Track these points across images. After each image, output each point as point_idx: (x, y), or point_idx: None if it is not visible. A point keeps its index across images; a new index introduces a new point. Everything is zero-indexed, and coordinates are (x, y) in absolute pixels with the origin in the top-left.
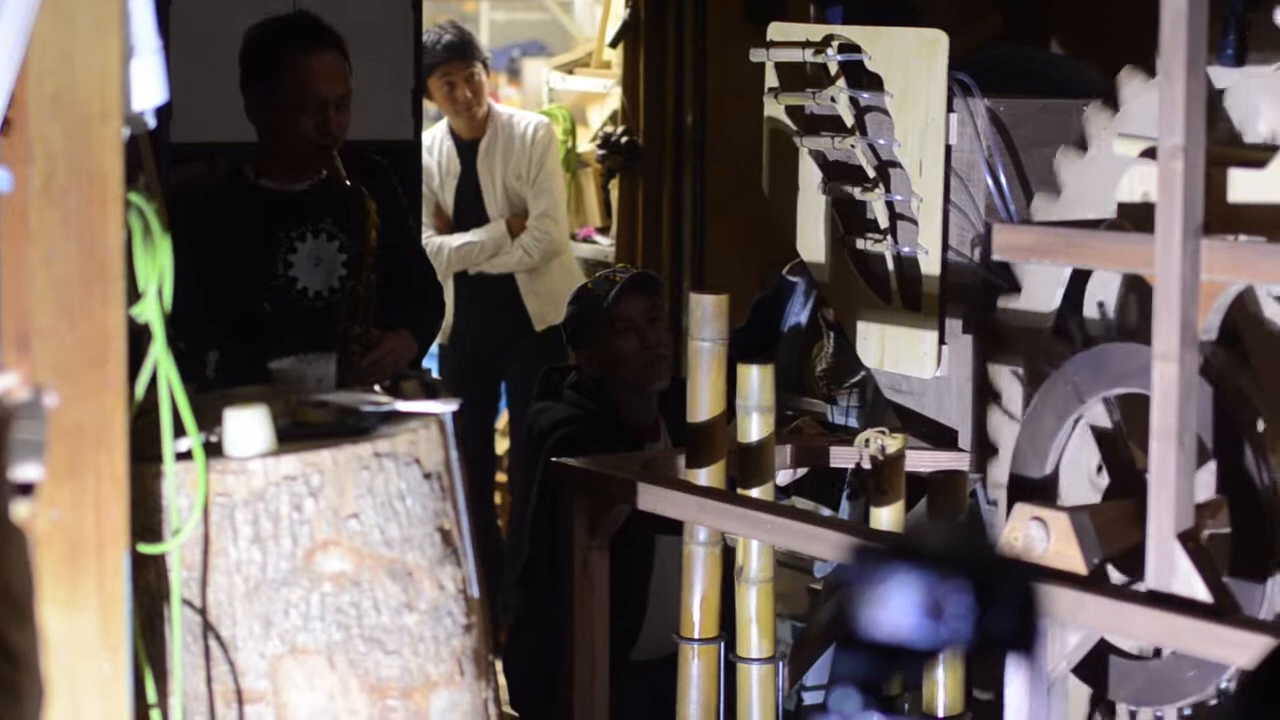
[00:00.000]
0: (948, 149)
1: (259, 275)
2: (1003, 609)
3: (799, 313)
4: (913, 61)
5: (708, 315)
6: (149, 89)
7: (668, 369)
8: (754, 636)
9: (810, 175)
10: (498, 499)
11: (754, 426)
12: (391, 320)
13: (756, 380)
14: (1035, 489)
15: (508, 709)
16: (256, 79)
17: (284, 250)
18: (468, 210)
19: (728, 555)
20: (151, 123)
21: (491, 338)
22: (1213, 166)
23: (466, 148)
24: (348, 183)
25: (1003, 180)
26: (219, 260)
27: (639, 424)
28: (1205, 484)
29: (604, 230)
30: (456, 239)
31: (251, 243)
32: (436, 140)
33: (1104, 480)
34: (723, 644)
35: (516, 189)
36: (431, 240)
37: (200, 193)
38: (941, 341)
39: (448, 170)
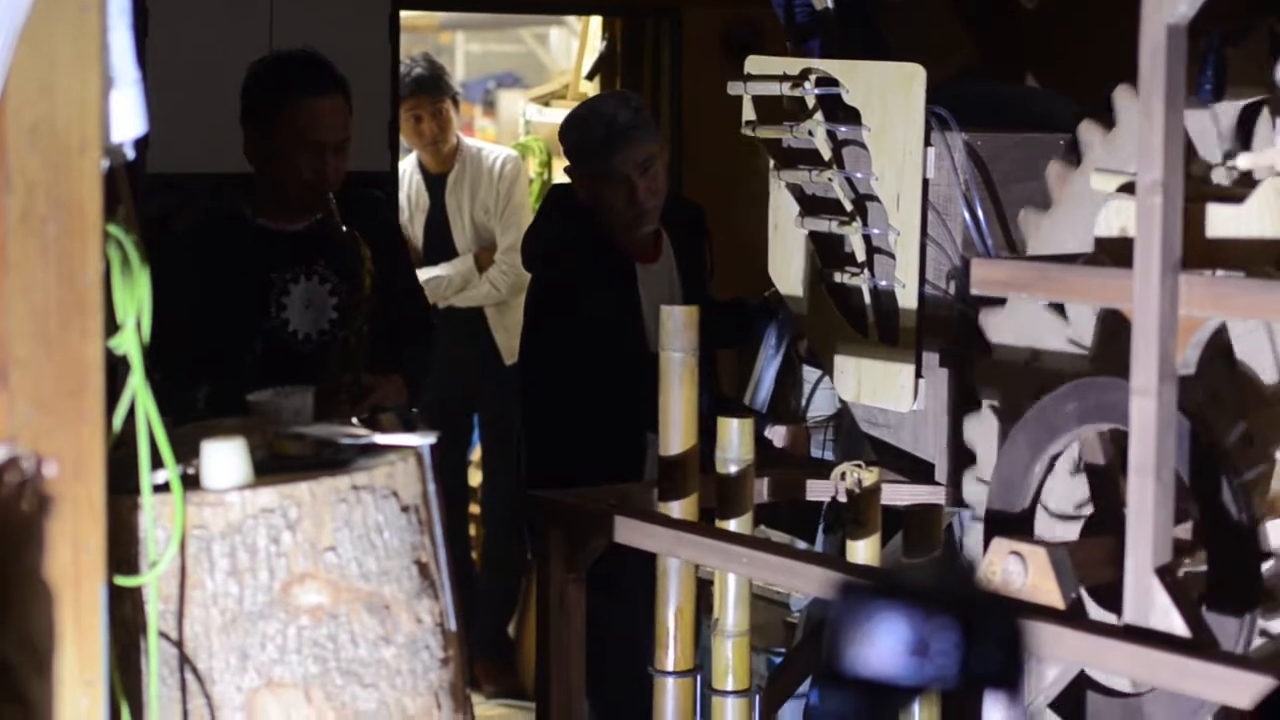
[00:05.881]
0: (925, 183)
1: (252, 315)
2: (989, 647)
3: (773, 347)
4: (890, 95)
5: (678, 327)
6: (129, 120)
7: (654, 217)
8: (730, 674)
9: (786, 208)
10: (472, 531)
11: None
12: (388, 359)
13: (736, 434)
14: (1013, 522)
15: None
16: (256, 117)
17: (277, 292)
18: (436, 244)
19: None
20: (131, 154)
21: (462, 371)
22: (1191, 201)
23: (435, 181)
24: (344, 228)
25: (980, 214)
26: (214, 297)
27: (633, 249)
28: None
29: None
30: (424, 273)
31: (247, 282)
32: (406, 174)
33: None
34: (698, 676)
35: (485, 222)
36: None
37: (200, 228)
38: (918, 375)
39: (416, 204)
